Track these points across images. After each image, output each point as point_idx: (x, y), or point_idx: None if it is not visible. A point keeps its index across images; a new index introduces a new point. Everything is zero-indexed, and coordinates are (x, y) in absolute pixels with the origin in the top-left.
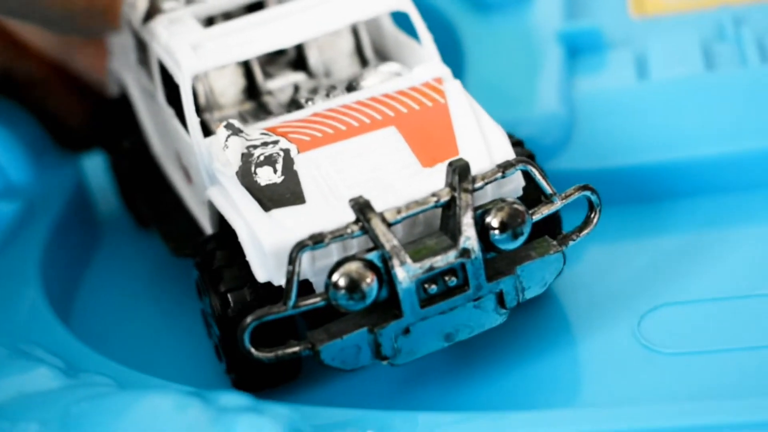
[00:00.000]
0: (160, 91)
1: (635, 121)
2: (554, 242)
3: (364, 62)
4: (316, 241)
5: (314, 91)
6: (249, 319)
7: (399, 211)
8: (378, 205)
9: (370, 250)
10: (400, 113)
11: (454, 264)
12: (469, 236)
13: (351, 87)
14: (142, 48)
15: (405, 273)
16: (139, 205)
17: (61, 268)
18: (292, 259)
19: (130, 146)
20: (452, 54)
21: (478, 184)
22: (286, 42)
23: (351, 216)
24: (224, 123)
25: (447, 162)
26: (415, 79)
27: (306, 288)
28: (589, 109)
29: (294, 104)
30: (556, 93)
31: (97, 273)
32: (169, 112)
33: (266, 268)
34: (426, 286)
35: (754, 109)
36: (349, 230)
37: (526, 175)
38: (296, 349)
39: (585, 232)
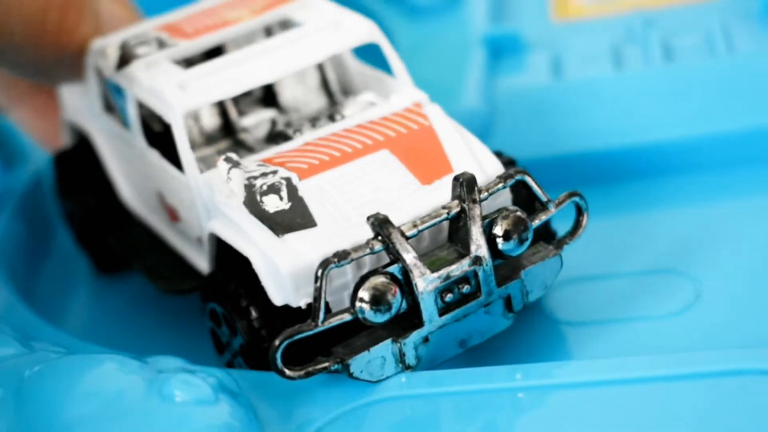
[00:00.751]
0: (139, 134)
1: (550, 115)
2: (551, 247)
3: (330, 96)
4: (341, 258)
5: (289, 124)
6: (279, 340)
7: (415, 225)
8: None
9: (388, 264)
10: (389, 137)
11: (467, 272)
12: (480, 245)
13: (332, 117)
14: (114, 94)
15: (425, 283)
16: (102, 250)
17: (24, 253)
18: (319, 277)
19: (93, 193)
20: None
21: (483, 195)
22: (271, 77)
23: (362, 235)
24: (223, 156)
25: (444, 178)
26: (396, 106)
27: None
28: (508, 105)
29: (280, 136)
30: (477, 91)
31: (59, 256)
32: (152, 153)
33: (284, 292)
34: (443, 295)
35: (658, 103)
36: (370, 246)
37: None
38: (326, 365)
39: (577, 234)
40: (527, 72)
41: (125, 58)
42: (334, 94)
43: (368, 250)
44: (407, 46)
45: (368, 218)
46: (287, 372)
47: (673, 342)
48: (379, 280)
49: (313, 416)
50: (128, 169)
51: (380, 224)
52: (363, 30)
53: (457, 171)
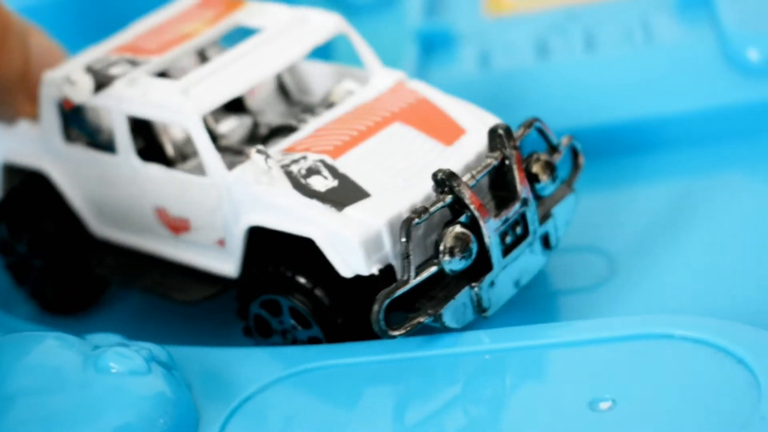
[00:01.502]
0: (131, 152)
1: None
2: (564, 186)
3: (287, 98)
4: (421, 214)
5: (286, 118)
6: (379, 303)
7: (473, 176)
8: (426, 185)
9: (455, 216)
10: (394, 112)
11: (519, 214)
12: (525, 186)
13: (330, 104)
14: (82, 122)
15: (491, 228)
16: (70, 284)
17: None
18: (407, 234)
19: (57, 228)
20: (321, 52)
21: (518, 143)
22: (269, 73)
23: (413, 198)
24: (255, 149)
25: (462, 138)
26: (382, 86)
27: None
28: None
29: (285, 129)
30: None
31: None
32: (151, 167)
33: (355, 262)
34: (503, 238)
35: (579, 92)
36: (441, 199)
37: None
38: (422, 319)
39: (578, 173)
40: (457, 65)
41: (102, 80)
42: (293, 95)
43: (441, 204)
44: (344, 42)
45: (434, 174)
46: (392, 333)
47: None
48: (459, 229)
49: (241, 387)
50: (101, 195)
51: (448, 178)
52: (332, 22)
53: (469, 130)
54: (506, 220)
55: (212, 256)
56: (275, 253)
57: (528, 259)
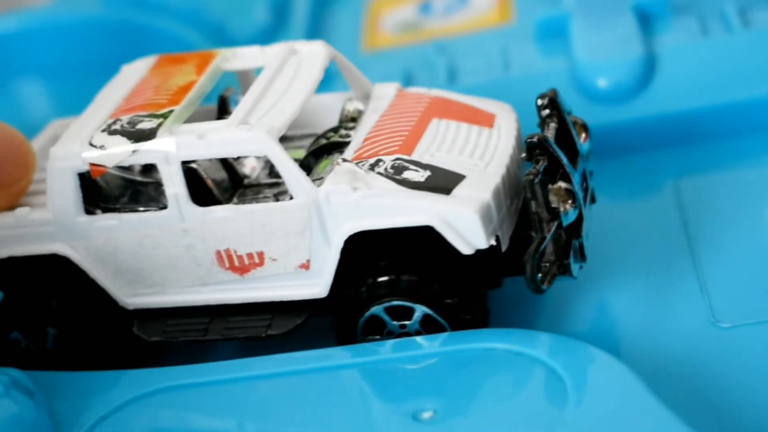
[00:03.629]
0: (185, 200)
1: None
2: None
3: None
4: (535, 174)
5: (327, 137)
6: (530, 262)
7: (549, 140)
8: (502, 160)
9: (548, 176)
10: (422, 111)
11: (582, 168)
12: (582, 143)
13: (354, 119)
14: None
15: (577, 182)
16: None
17: None
18: (533, 193)
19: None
20: None
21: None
22: (306, 95)
23: (499, 173)
24: (339, 158)
25: (497, 121)
26: (388, 95)
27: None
28: None
29: (333, 146)
30: None
31: None
32: (211, 211)
33: (475, 237)
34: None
35: None
36: (539, 160)
37: None
38: (556, 272)
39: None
40: None
41: (139, 137)
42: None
43: (543, 164)
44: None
45: (528, 138)
46: (544, 287)
47: None
48: (563, 185)
49: (98, 408)
50: (137, 261)
51: (540, 142)
52: (322, 48)
53: (497, 113)
54: (582, 172)
55: (294, 283)
56: (374, 260)
57: (588, 213)
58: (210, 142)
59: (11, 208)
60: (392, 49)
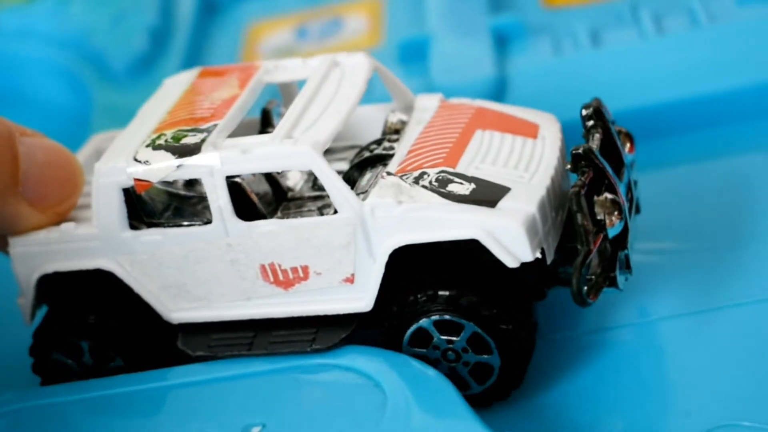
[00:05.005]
0: (230, 215)
1: None
2: None
3: None
4: (581, 186)
5: (371, 150)
6: (577, 275)
7: (595, 151)
8: (547, 171)
9: (593, 188)
10: (466, 122)
11: (627, 179)
12: (627, 153)
13: (397, 131)
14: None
15: (623, 192)
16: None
17: None
18: (580, 205)
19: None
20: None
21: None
22: (350, 107)
23: (544, 184)
24: (385, 172)
25: (540, 131)
26: (432, 106)
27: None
28: None
29: (377, 159)
30: None
31: None
32: (256, 225)
33: (521, 250)
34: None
35: None
36: (586, 172)
37: None
38: (603, 285)
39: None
40: None
41: (184, 152)
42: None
43: (589, 176)
44: (107, 107)
45: (573, 150)
46: (590, 300)
47: None
48: (610, 196)
49: None
50: (182, 275)
51: (586, 153)
52: (364, 58)
53: (540, 124)
54: (627, 182)
55: (339, 297)
56: (419, 275)
57: (635, 222)
58: (254, 156)
59: (58, 223)
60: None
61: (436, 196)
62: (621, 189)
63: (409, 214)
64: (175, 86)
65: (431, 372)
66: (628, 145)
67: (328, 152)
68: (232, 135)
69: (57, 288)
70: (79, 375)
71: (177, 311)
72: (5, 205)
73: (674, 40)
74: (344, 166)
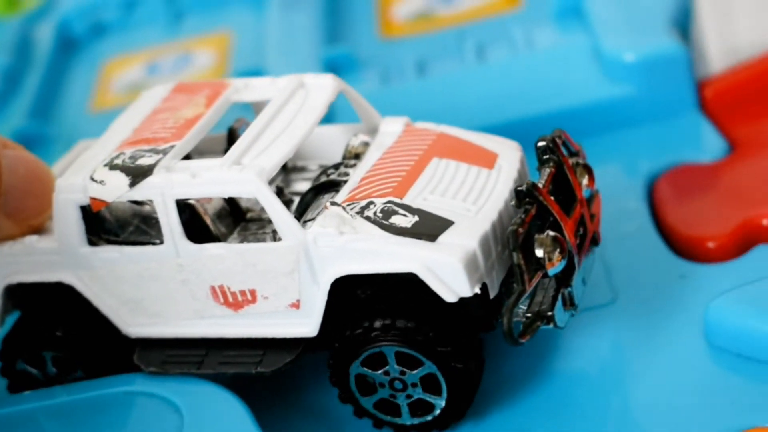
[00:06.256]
0: (180, 237)
1: None
2: None
3: (283, 166)
4: (520, 225)
5: (327, 174)
6: (508, 315)
7: (543, 185)
8: (495, 204)
9: (530, 223)
10: (425, 149)
11: (581, 215)
12: (584, 186)
13: (357, 156)
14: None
15: (569, 230)
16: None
17: None
18: (515, 245)
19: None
20: None
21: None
22: (305, 133)
23: (490, 219)
24: (329, 203)
25: (498, 161)
26: (395, 130)
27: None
28: None
29: (330, 185)
30: None
31: None
32: (205, 248)
33: (460, 285)
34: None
35: None
36: (526, 210)
37: None
38: (539, 324)
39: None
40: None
41: (137, 173)
42: (287, 162)
43: (530, 213)
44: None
45: (517, 188)
46: (521, 340)
47: None
48: (550, 234)
49: None
50: (137, 292)
51: (529, 190)
52: (330, 80)
53: (500, 153)
54: (576, 221)
55: (285, 321)
56: (355, 307)
57: (588, 258)
58: (202, 181)
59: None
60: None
61: (377, 228)
62: (571, 225)
63: (350, 245)
64: (148, 100)
65: (226, 394)
66: (586, 178)
67: (297, 171)
68: (200, 152)
69: (23, 298)
70: (46, 384)
71: (134, 326)
72: None
73: (494, 67)
74: (308, 186)
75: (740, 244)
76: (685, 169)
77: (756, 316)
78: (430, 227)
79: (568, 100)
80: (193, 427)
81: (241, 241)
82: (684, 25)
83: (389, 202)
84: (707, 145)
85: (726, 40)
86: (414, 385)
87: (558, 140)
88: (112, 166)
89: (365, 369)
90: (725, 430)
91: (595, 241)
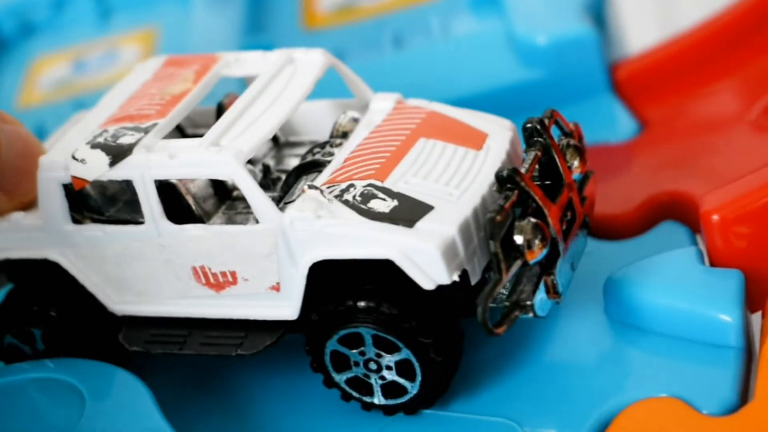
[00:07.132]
0: (160, 217)
1: None
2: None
3: (275, 141)
4: (498, 212)
5: (311, 155)
6: (483, 304)
7: (528, 170)
8: (479, 187)
9: (522, 211)
10: (413, 129)
11: (569, 199)
12: (575, 169)
13: (345, 135)
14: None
15: (554, 216)
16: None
17: None
18: (493, 233)
19: (74, 316)
20: None
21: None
22: (288, 112)
23: (472, 203)
24: (306, 186)
25: (487, 141)
26: (386, 108)
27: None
28: None
29: (313, 165)
30: None
31: None
32: (189, 227)
33: (437, 273)
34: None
35: None
36: (507, 196)
37: None
38: (518, 313)
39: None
40: None
41: (117, 152)
42: (279, 138)
43: (511, 199)
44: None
45: (498, 173)
46: (498, 331)
47: None
48: (531, 221)
49: None
50: (122, 270)
51: (510, 175)
52: (320, 56)
53: (490, 133)
54: (562, 206)
55: (266, 303)
56: (338, 286)
57: (577, 242)
58: (180, 162)
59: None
60: (45, 105)
61: (354, 213)
62: (556, 211)
63: (327, 230)
64: (139, 74)
65: (131, 378)
66: (577, 160)
67: (289, 146)
68: (196, 125)
69: (13, 273)
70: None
71: (120, 304)
72: None
73: (411, 56)
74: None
75: (645, 221)
76: (596, 149)
77: (647, 289)
78: (408, 212)
79: (483, 84)
80: (94, 411)
81: (226, 221)
82: (599, 10)
83: (370, 185)
84: (619, 126)
85: (639, 23)
86: (389, 368)
87: (547, 121)
88: (93, 145)
89: (342, 347)
90: (619, 404)
91: (586, 225)
